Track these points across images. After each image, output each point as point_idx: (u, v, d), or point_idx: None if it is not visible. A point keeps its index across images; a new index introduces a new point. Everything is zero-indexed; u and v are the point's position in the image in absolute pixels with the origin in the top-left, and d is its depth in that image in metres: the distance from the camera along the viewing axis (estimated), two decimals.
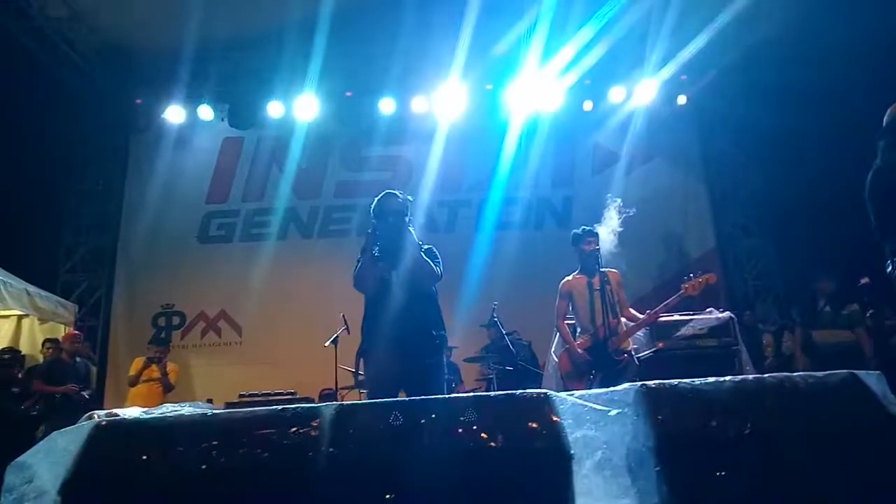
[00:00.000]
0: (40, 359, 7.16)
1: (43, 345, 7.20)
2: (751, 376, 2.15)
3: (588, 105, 9.17)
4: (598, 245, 4.73)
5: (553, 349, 5.67)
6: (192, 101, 9.05)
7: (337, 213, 9.29)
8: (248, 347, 8.74)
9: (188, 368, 8.45)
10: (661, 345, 5.55)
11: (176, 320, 8.83)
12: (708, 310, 5.64)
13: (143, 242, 9.05)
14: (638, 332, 5.67)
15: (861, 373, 2.03)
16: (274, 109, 9.03)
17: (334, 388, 6.55)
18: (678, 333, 5.67)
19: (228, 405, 5.90)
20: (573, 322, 5.00)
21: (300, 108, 8.95)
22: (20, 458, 1.97)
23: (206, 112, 9.11)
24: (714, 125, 9.59)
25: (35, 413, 6.03)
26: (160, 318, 8.82)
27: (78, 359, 6.56)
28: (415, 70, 8.95)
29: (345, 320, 6.44)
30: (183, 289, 8.93)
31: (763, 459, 1.87)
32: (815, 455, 1.85)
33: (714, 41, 8.47)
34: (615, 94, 9.12)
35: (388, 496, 1.82)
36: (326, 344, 6.36)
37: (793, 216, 8.78)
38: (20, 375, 6.77)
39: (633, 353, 4.74)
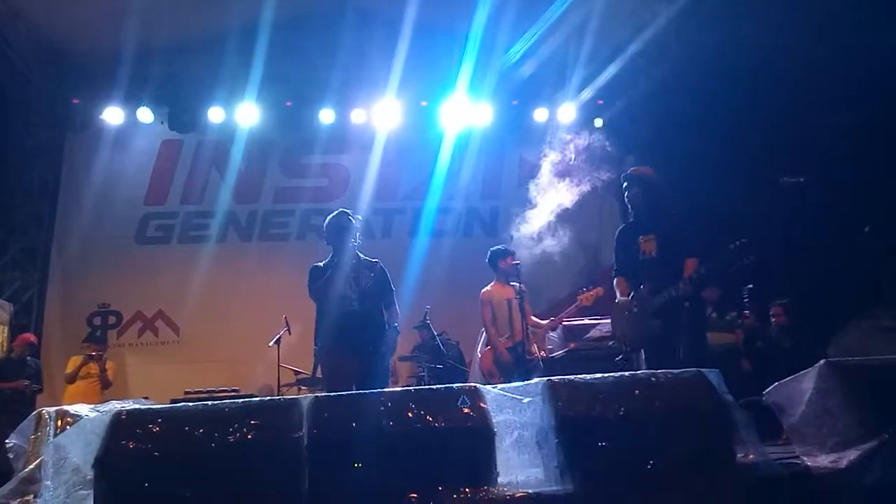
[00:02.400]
0: None
1: None
2: (628, 373, 2.86)
3: (516, 123, 9.93)
4: (516, 261, 5.53)
5: (478, 348, 6.36)
6: (132, 103, 9.13)
7: (276, 218, 9.65)
8: (186, 347, 8.98)
9: (124, 367, 8.61)
10: (572, 346, 6.40)
11: (112, 319, 8.96)
12: None
13: (78, 242, 9.10)
14: (553, 334, 6.53)
15: (705, 370, 2.77)
16: (215, 115, 9.26)
17: (275, 385, 6.98)
18: (587, 336, 6.52)
19: (174, 401, 6.24)
20: (496, 325, 5.78)
21: (241, 114, 9.21)
22: (56, 440, 2.42)
23: (145, 115, 9.21)
24: (628, 147, 10.55)
25: None
26: (96, 317, 8.92)
27: (29, 358, 6.69)
28: (353, 84, 9.42)
29: (287, 322, 6.91)
30: (120, 289, 9.05)
31: (632, 434, 2.57)
32: (668, 430, 2.57)
33: (625, 69, 9.40)
34: (539, 114, 9.92)
35: (356, 465, 2.40)
36: (270, 344, 6.80)
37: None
38: None
39: (539, 354, 5.56)
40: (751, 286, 7.12)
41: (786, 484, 2.44)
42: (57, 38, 8.94)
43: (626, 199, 4.22)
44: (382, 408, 2.56)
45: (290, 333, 6.88)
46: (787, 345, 6.34)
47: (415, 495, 2.42)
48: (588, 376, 2.77)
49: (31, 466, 4.39)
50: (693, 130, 9.00)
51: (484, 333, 6.17)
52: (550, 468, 2.62)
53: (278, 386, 6.89)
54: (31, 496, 3.89)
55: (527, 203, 9.09)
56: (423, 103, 9.58)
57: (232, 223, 9.60)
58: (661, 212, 4.06)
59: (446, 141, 9.61)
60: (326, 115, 9.44)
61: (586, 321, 6.59)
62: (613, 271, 4.36)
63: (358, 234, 4.13)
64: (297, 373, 6.92)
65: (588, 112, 10.00)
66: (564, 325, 6.47)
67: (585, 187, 10.47)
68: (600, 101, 10.04)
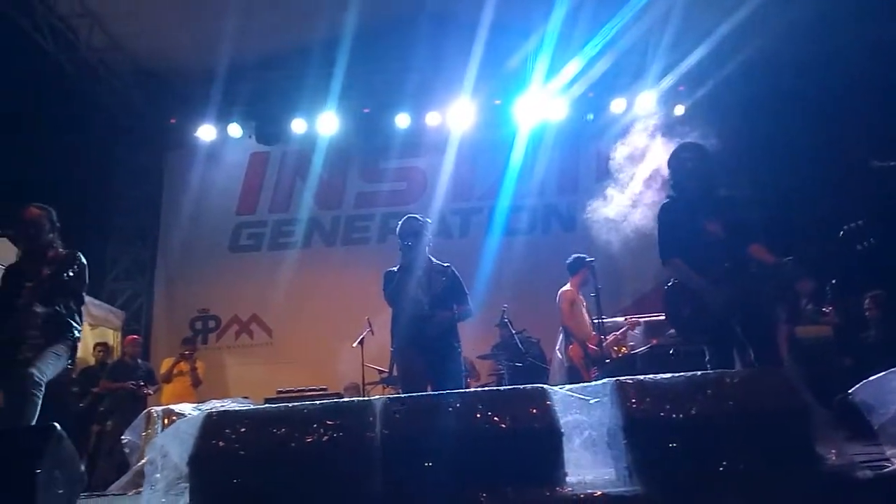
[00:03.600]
0: (92, 361, 7.89)
1: (94, 348, 7.93)
2: (699, 372, 2.79)
3: (591, 116, 9.78)
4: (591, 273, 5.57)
5: (558, 346, 6.34)
6: (223, 119, 9.75)
7: (357, 223, 10.00)
8: (278, 348, 9.48)
9: (224, 368, 9.20)
10: (655, 342, 6.24)
11: (211, 324, 9.59)
12: None
13: (179, 252, 9.82)
14: (634, 331, 6.44)
15: (780, 368, 2.67)
16: (297, 126, 9.73)
17: (360, 383, 7.23)
18: (670, 331, 6.34)
19: (268, 400, 6.63)
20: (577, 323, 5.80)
21: (322, 123, 9.64)
22: (155, 440, 2.66)
23: (234, 130, 9.82)
24: (710, 133, 10.13)
25: (102, 409, 6.77)
26: (197, 321, 9.58)
27: (139, 361, 7.29)
28: (428, 87, 9.61)
29: (369, 323, 7.14)
30: (217, 294, 9.67)
31: (704, 434, 2.52)
32: (742, 430, 2.50)
33: (709, 55, 9.04)
34: (617, 104, 9.71)
35: (427, 464, 2.49)
36: (354, 345, 7.06)
37: (779, 222, 9.37)
38: (74, 375, 7.52)
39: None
40: (834, 280, 6.73)
41: (872, 487, 2.32)
42: (154, 64, 9.65)
43: (679, 173, 3.71)
44: (451, 409, 2.64)
45: (373, 334, 7.11)
46: (880, 338, 5.94)
47: (485, 495, 2.48)
48: (658, 376, 2.73)
49: (143, 461, 4.81)
50: (777, 115, 8.55)
51: (563, 331, 6.15)
52: (620, 469, 2.62)
53: (363, 384, 7.13)
54: (142, 488, 4.27)
55: (606, 196, 8.97)
56: (497, 101, 9.61)
57: (316, 229, 10.02)
58: (722, 190, 3.65)
59: (520, 138, 9.61)
60: (402, 120, 9.68)
61: None
62: (664, 252, 3.72)
63: (429, 237, 4.23)
64: (380, 372, 7.13)
65: (669, 99, 9.71)
66: (646, 322, 6.34)
67: (665, 178, 10.19)
68: (681, 88, 9.72)
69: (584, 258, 5.93)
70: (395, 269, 4.25)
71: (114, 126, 9.89)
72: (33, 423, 3.41)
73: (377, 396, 2.97)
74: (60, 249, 3.88)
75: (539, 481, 2.49)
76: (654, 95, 9.59)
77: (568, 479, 2.54)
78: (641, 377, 2.75)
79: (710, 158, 3.69)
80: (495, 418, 2.61)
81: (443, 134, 9.75)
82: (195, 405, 5.81)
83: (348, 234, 10.01)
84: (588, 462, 2.76)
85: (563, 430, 2.63)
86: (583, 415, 2.76)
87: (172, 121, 9.96)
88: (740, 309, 3.37)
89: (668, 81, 9.57)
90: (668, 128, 8.61)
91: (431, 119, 9.69)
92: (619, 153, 7.74)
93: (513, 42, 9.11)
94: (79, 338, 3.93)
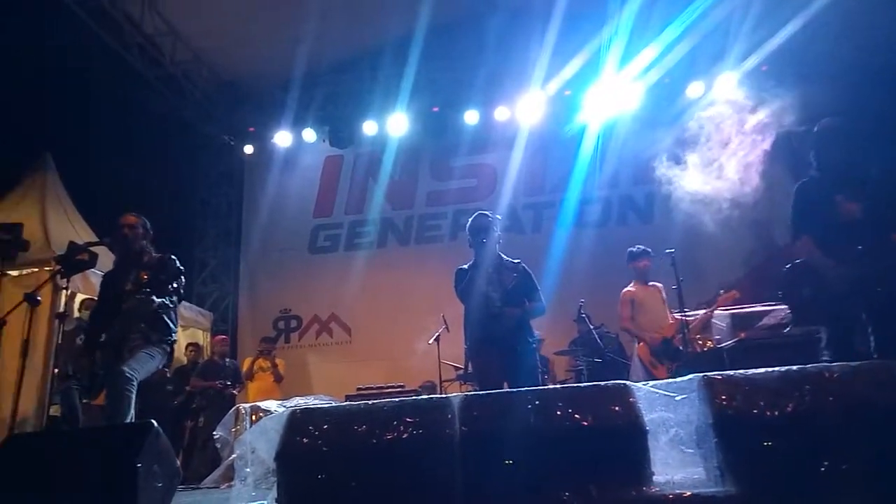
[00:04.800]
0: (185, 360, 8.31)
1: (186, 348, 8.35)
2: (795, 367, 2.62)
3: (667, 102, 9.42)
4: (649, 263, 5.39)
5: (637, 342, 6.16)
6: (298, 125, 10.07)
7: (430, 221, 10.07)
8: (357, 346, 9.68)
9: (306, 366, 9.50)
10: (743, 335, 5.92)
11: (293, 323, 9.92)
12: None
13: (261, 255, 10.22)
14: (721, 323, 6.14)
15: (889, 361, 2.47)
16: (369, 128, 9.91)
17: (437, 380, 7.28)
18: (760, 323, 6.00)
19: (348, 397, 6.78)
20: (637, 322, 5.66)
21: (392, 124, 9.78)
22: (244, 436, 2.76)
23: (309, 135, 10.12)
24: (795, 114, 9.56)
25: (194, 406, 7.13)
26: (280, 321, 9.93)
27: (227, 360, 7.63)
28: (497, 82, 9.55)
29: (444, 321, 7.18)
30: (298, 295, 9.99)
31: (803, 433, 2.37)
32: (845, 428, 2.33)
33: (795, 33, 8.55)
34: (694, 88, 9.33)
35: (507, 461, 2.46)
36: (430, 342, 7.11)
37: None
38: (169, 374, 7.95)
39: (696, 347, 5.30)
40: None
41: None
42: (233, 75, 10.08)
43: (822, 151, 3.54)
44: (530, 406, 2.59)
45: (448, 331, 7.14)
46: None
47: (567, 494, 2.43)
48: (750, 371, 2.59)
49: (233, 456, 5.03)
50: (870, 91, 7.96)
51: None
52: (710, 468, 2.50)
53: (440, 382, 7.18)
54: (234, 482, 4.45)
55: (686, 184, 8.63)
56: (567, 93, 9.43)
57: (390, 228, 10.17)
58: (862, 170, 3.43)
59: (592, 128, 9.40)
60: (471, 116, 9.68)
61: (758, 308, 6.06)
62: (794, 230, 3.58)
63: (499, 233, 4.19)
64: (456, 369, 7.16)
65: (752, 80, 9.22)
66: (733, 314, 6.02)
67: (750, 159, 9.70)
68: (764, 68, 9.23)
69: (636, 250, 5.83)
70: (467, 266, 4.24)
71: (197, 136, 10.39)
72: (130, 419, 3.61)
73: (454, 394, 2.97)
74: (154, 255, 4.09)
75: (624, 480, 2.41)
76: (735, 77, 9.14)
77: (655, 478, 2.45)
78: (731, 372, 2.61)
79: (858, 136, 3.50)
80: (576, 416, 2.54)
81: (512, 128, 9.68)
82: (280, 402, 6.02)
83: (421, 233, 10.09)
84: (676, 461, 2.65)
85: (647, 428, 2.54)
86: (668, 412, 2.65)
87: (251, 129, 10.36)
88: (869, 294, 3.18)
89: (752, 61, 9.11)
90: (751, 108, 8.25)
91: (500, 114, 9.63)
92: (702, 137, 7.45)
93: (585, 31, 8.91)
94: (174, 340, 4.13)
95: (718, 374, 2.62)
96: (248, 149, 10.44)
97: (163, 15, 8.81)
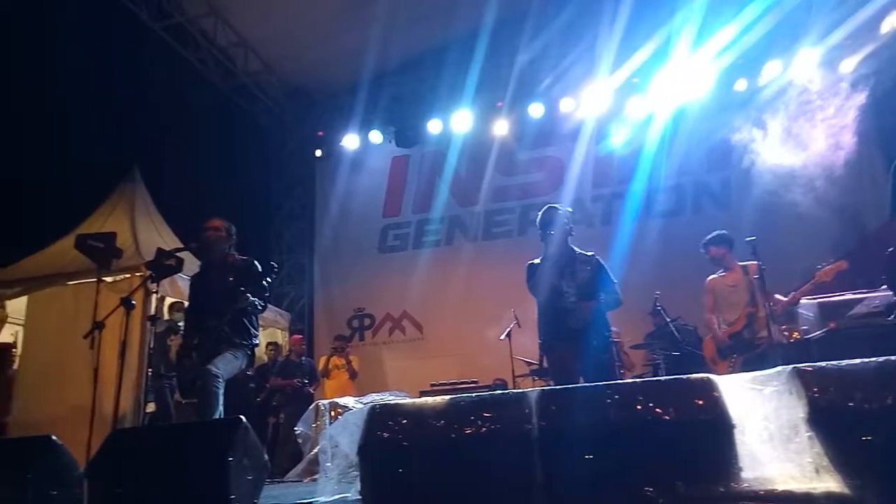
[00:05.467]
0: (265, 359, 8.63)
1: (266, 347, 8.66)
2: (893, 357, 2.46)
3: (741, 84, 9.04)
4: (719, 251, 5.14)
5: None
6: (364, 127, 10.27)
7: (497, 217, 10.06)
8: (429, 343, 9.79)
9: (380, 363, 9.68)
10: (832, 325, 5.60)
11: (367, 321, 10.14)
12: (883, 287, 5.55)
13: (333, 255, 10.49)
14: (807, 313, 5.82)
15: None
16: (433, 126, 9.99)
17: (511, 376, 7.26)
18: (851, 313, 5.65)
19: (422, 393, 6.86)
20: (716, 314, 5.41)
21: (456, 122, 9.82)
22: (328, 430, 2.84)
23: (375, 136, 10.30)
24: (889, 89, 8.97)
25: (274, 403, 7.41)
26: (354, 320, 10.17)
27: (303, 358, 7.89)
28: (561, 73, 9.42)
29: (515, 316, 7.15)
30: (370, 293, 10.20)
31: None
32: None
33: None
34: (770, 69, 8.91)
35: (587, 456, 2.43)
36: (501, 337, 7.09)
37: None
38: (249, 373, 8.27)
39: (772, 338, 4.98)
40: None
41: None
42: (301, 82, 10.40)
43: None
44: (609, 400, 2.55)
45: (519, 326, 7.11)
46: None
47: (651, 489, 2.38)
48: (843, 362, 2.45)
49: (315, 451, 5.20)
50: None
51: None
52: (804, 463, 2.38)
53: (513, 377, 7.16)
54: (316, 475, 4.59)
55: (762, 169, 8.25)
56: (635, 80, 9.18)
57: (457, 226, 10.22)
58: None
59: (662, 114, 9.11)
60: (536, 110, 9.58)
61: (849, 296, 5.71)
62: (894, 210, 3.49)
63: (570, 226, 4.13)
64: (529, 364, 7.11)
65: (833, 57, 8.72)
66: (821, 303, 5.69)
67: (836, 139, 9.17)
68: (848, 42, 8.69)
69: (706, 238, 5.51)
70: (538, 260, 4.21)
71: (269, 142, 10.77)
72: (218, 415, 3.78)
73: (530, 389, 2.96)
74: (238, 258, 4.26)
75: (711, 476, 2.34)
76: (816, 54, 8.66)
77: (743, 474, 2.36)
78: (822, 364, 2.49)
79: None
80: (658, 410, 2.48)
81: (578, 120, 9.50)
82: (356, 398, 6.17)
83: (489, 229, 10.09)
84: (765, 456, 2.54)
85: (734, 422, 2.45)
86: (756, 405, 2.55)
87: (320, 133, 10.65)
88: None
89: (836, 37, 8.60)
90: (834, 85, 7.79)
91: (565, 106, 9.49)
92: (782, 117, 7.09)
93: (655, 16, 8.65)
94: (256, 344, 4.28)
95: (809, 366, 2.50)
96: (318, 152, 10.72)
97: (234, 27, 9.18)
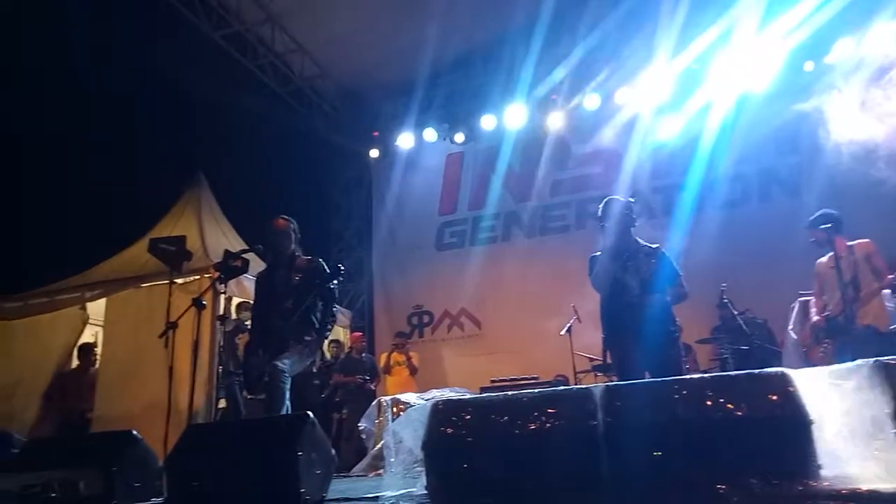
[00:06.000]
0: (328, 356, 8.81)
1: (329, 344, 8.83)
2: None
3: (809, 66, 8.62)
4: (818, 234, 4.83)
5: (791, 326, 5.67)
6: (419, 126, 10.33)
7: (554, 211, 9.94)
8: (488, 339, 9.78)
9: (440, 360, 9.73)
10: None
11: (426, 318, 10.22)
12: None
13: (391, 253, 10.62)
14: (890, 305, 5.46)
15: None
16: (487, 122, 9.95)
17: (572, 372, 7.17)
18: None
19: (483, 389, 6.86)
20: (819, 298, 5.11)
21: (510, 116, 9.75)
22: (392, 426, 2.89)
23: (430, 134, 10.35)
24: None
25: (337, 400, 7.57)
26: (413, 317, 10.27)
27: (364, 355, 8.02)
28: (617, 63, 9.22)
29: (575, 311, 7.06)
30: (428, 291, 10.27)
31: None
32: None
33: None
34: (842, 46, 8.46)
35: (655, 453, 2.38)
36: (562, 333, 7.02)
37: None
38: (315, 370, 8.46)
39: (874, 325, 4.66)
40: None
41: None
42: (356, 83, 10.56)
43: None
44: (677, 396, 2.49)
45: (580, 321, 7.02)
46: None
47: (723, 487, 2.31)
48: None
49: (379, 446, 5.28)
50: None
51: (796, 308, 5.51)
52: (891, 461, 2.26)
53: (574, 373, 7.07)
54: (381, 470, 4.66)
55: (837, 151, 7.84)
56: (695, 66, 8.89)
57: (514, 221, 10.17)
58: None
59: (725, 100, 8.78)
60: (591, 101, 9.42)
61: None
62: None
63: (634, 218, 4.04)
64: (591, 359, 7.02)
65: None
66: None
67: None
68: None
69: (816, 216, 5.15)
70: (600, 253, 4.13)
71: (327, 144, 10.97)
72: (285, 410, 3.87)
73: (594, 384, 2.91)
74: (304, 257, 4.34)
75: (787, 474, 2.25)
76: (894, 28, 8.16)
77: (822, 472, 2.26)
78: None
79: None
80: (729, 406, 2.41)
81: (635, 110, 9.27)
82: (418, 394, 6.24)
83: (546, 224, 9.98)
84: (847, 454, 2.43)
85: (811, 418, 2.35)
86: (836, 401, 2.44)
87: (375, 133, 10.78)
88: None
89: None
90: None
91: (622, 96, 9.28)
92: (856, 95, 6.70)
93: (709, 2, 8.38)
94: (322, 339, 4.35)
95: (893, 359, 2.38)
96: (374, 153, 10.86)
97: (290, 34, 9.40)
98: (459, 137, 10.18)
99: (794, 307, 5.59)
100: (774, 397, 2.39)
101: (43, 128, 8.83)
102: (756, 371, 2.55)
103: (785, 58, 8.48)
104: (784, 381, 2.42)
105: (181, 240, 5.89)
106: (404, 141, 10.47)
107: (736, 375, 2.64)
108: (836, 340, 4.62)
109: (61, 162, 9.00)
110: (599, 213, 4.15)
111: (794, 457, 2.32)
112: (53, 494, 3.00)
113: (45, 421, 6.90)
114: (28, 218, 8.76)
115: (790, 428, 2.33)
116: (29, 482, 3.08)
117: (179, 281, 6.38)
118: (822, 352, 4.72)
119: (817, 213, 4.98)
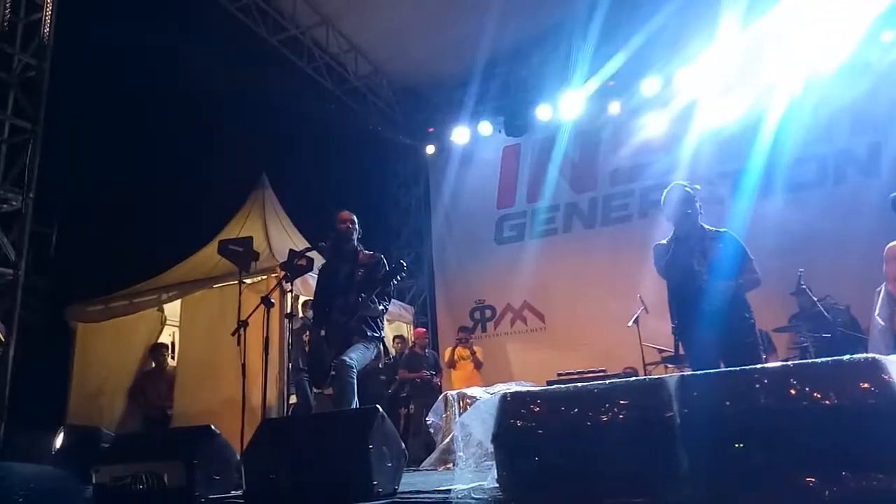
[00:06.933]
0: (393, 352, 8.89)
1: (393, 340, 8.93)
2: None
3: (888, 36, 8.10)
4: None
5: (877, 311, 5.35)
6: (474, 119, 10.30)
7: (616, 201, 9.73)
8: (552, 332, 9.68)
9: (505, 354, 9.71)
10: None
11: (488, 313, 10.20)
12: None
13: (452, 248, 10.64)
14: None
15: None
16: (543, 112, 9.80)
17: (641, 364, 7.01)
18: None
19: (549, 383, 6.78)
20: None
21: (566, 106, 9.58)
22: (461, 419, 2.89)
23: (485, 128, 10.30)
24: None
25: (403, 395, 7.65)
26: (475, 311, 10.27)
27: (427, 350, 8.08)
28: (676, 44, 8.91)
29: (642, 301, 6.89)
30: (490, 285, 10.24)
31: None
32: None
33: None
34: None
35: (737, 445, 2.29)
36: (629, 324, 6.87)
37: None
38: (381, 365, 8.56)
39: None
40: None
41: None
42: (410, 80, 10.63)
43: None
44: (758, 385, 2.38)
45: (647, 311, 6.85)
46: None
47: (812, 479, 2.19)
48: None
49: (447, 440, 5.31)
50: None
51: (882, 292, 5.19)
52: None
53: (643, 365, 6.91)
54: (451, 464, 4.68)
55: None
56: (759, 46, 8.47)
57: (575, 213, 10.01)
58: None
59: (796, 77, 8.34)
60: (650, 85, 9.15)
61: None
62: None
63: (699, 204, 3.90)
64: (660, 351, 6.83)
65: None
66: None
67: None
68: None
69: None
70: (665, 241, 4.02)
71: (384, 141, 11.09)
72: (354, 405, 3.92)
73: (667, 375, 2.83)
74: (366, 252, 4.39)
75: (881, 466, 2.12)
76: None
77: None
78: None
79: None
80: (815, 394, 2.28)
81: (696, 93, 8.93)
82: (484, 388, 6.23)
83: (607, 214, 9.78)
84: None
85: None
86: None
87: (430, 129, 10.82)
88: None
89: None
90: None
91: (681, 78, 8.97)
92: None
93: None
94: (382, 336, 4.39)
95: None
96: (430, 148, 10.90)
97: (344, 34, 9.54)
98: (515, 130, 10.07)
99: (879, 291, 5.26)
100: (866, 385, 2.26)
101: (117, 136, 9.28)
102: (843, 358, 2.42)
103: (862, 31, 7.98)
104: (876, 367, 2.28)
105: (248, 241, 6.07)
106: (460, 135, 10.46)
107: (822, 362, 2.51)
108: None
109: (135, 170, 9.43)
110: (663, 199, 4.04)
111: (890, 448, 2.18)
112: (141, 486, 3.14)
113: (130, 417, 7.27)
114: (106, 224, 9.22)
115: (884, 417, 2.20)
116: (119, 474, 3.24)
117: (248, 281, 6.57)
118: None
119: None
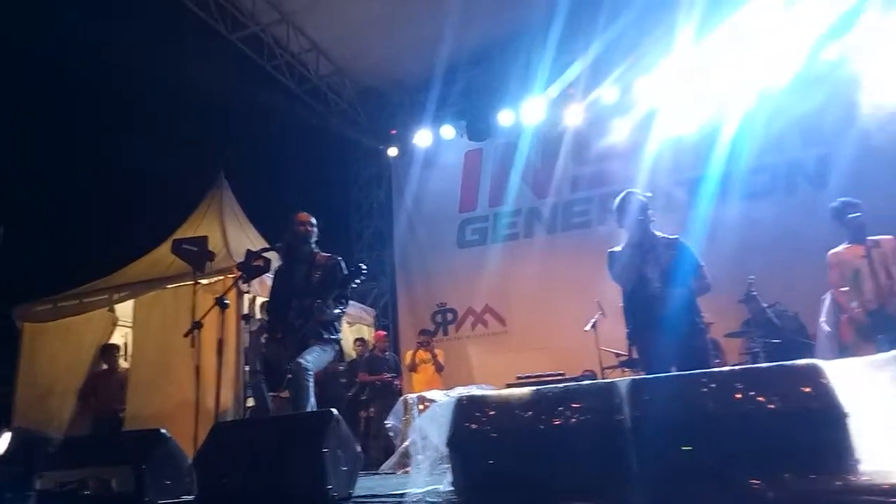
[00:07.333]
0: (353, 354, 8.83)
1: (354, 343, 8.87)
2: None
3: (835, 51, 8.40)
4: (859, 214, 4.69)
5: (823, 318, 5.54)
6: (436, 123, 10.30)
7: (576, 207, 9.85)
8: (513, 336, 9.74)
9: (466, 357, 9.72)
10: None
11: (450, 316, 10.21)
12: None
13: (412, 251, 10.61)
14: None
15: None
16: (505, 117, 9.87)
17: (599, 368, 7.10)
18: None
19: (509, 386, 6.82)
20: (846, 290, 4.96)
21: (528, 112, 9.67)
22: (417, 423, 2.88)
23: (447, 131, 10.30)
24: None
25: (364, 398, 7.60)
26: (437, 314, 10.26)
27: (387, 353, 8.04)
28: (636, 54, 9.08)
29: (600, 306, 7.00)
30: (452, 288, 10.24)
31: None
32: None
33: None
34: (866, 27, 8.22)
35: (685, 447, 2.34)
36: (587, 328, 6.96)
37: None
38: (341, 368, 8.49)
39: None
40: None
41: None
42: (372, 81, 10.61)
43: None
44: (706, 389, 2.45)
45: (604, 316, 6.95)
46: None
47: (756, 482, 2.26)
48: None
49: (406, 444, 5.29)
50: None
51: (827, 300, 5.38)
52: None
53: (601, 368, 7.00)
54: (409, 468, 4.66)
55: (869, 142, 7.65)
56: (715, 58, 8.70)
57: (536, 218, 10.09)
58: None
59: (749, 89, 8.58)
60: (610, 94, 9.30)
61: None
62: None
63: (650, 211, 3.99)
64: (617, 355, 6.94)
65: None
66: None
67: None
68: None
69: (838, 204, 4.99)
70: (619, 248, 4.10)
71: (345, 142, 11.02)
72: (311, 408, 3.86)
73: (620, 378, 2.88)
74: (323, 255, 4.34)
75: (823, 468, 2.20)
76: None
77: (861, 466, 2.20)
78: None
79: None
80: (759, 398, 2.36)
81: (654, 103, 9.11)
82: (444, 391, 6.24)
83: (568, 220, 9.89)
84: (886, 448, 2.36)
85: (846, 411, 2.29)
86: (871, 393, 2.38)
87: (393, 131, 10.79)
88: None
89: None
90: None
91: (640, 87, 9.14)
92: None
93: None
94: (339, 338, 4.33)
95: None
96: (392, 151, 10.85)
97: (305, 33, 9.45)
98: (477, 134, 10.11)
99: (824, 299, 5.46)
100: (807, 389, 2.34)
101: (67, 133, 9.01)
102: (786, 363, 2.50)
103: (810, 44, 8.27)
104: (816, 372, 2.37)
105: (203, 240, 5.95)
106: (422, 138, 10.45)
107: (766, 367, 2.60)
108: (887, 335, 4.47)
109: (86, 166, 9.17)
110: (615, 207, 4.13)
111: (830, 451, 2.26)
112: (87, 492, 3.05)
113: (80, 419, 7.04)
114: (55, 222, 8.94)
115: (824, 421, 2.28)
116: (65, 479, 3.14)
117: (204, 281, 6.44)
118: (877, 346, 4.56)
119: (841, 201, 4.90)
